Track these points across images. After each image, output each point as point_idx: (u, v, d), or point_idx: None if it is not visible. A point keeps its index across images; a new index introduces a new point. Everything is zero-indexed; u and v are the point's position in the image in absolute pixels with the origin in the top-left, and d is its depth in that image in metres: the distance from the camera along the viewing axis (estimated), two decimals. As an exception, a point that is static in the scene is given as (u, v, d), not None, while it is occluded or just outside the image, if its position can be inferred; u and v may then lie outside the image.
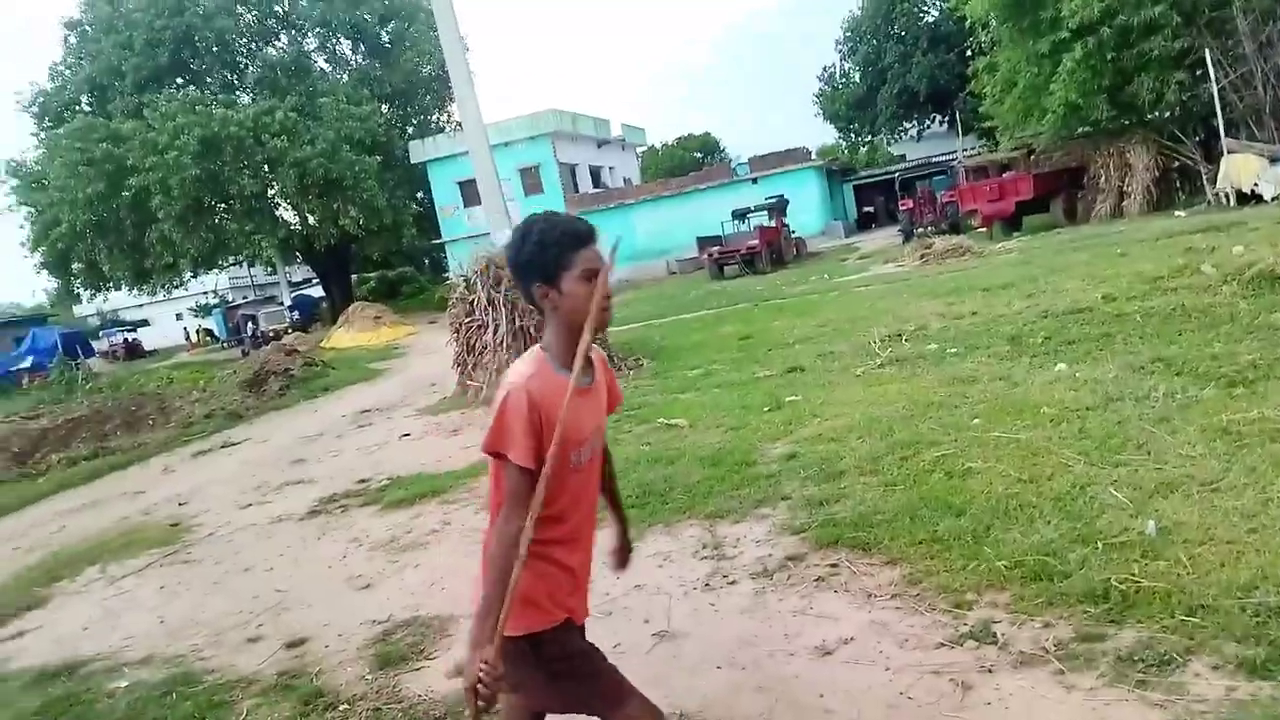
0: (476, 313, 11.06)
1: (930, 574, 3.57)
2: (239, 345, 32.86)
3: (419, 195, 39.84)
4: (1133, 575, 3.17)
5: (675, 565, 4.27)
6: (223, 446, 11.21)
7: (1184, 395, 5.14)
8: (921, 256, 18.56)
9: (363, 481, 7.50)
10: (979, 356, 7.36)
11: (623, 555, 2.46)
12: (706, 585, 3.98)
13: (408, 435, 9.49)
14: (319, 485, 7.71)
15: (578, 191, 39.10)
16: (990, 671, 2.86)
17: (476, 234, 22.71)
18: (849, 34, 43.45)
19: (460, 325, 11.29)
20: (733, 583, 3.95)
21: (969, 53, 28.82)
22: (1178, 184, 21.89)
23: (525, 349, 9.79)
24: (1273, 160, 17.73)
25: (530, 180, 37.84)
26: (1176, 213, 18.85)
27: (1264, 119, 19.98)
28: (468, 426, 9.20)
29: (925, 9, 40.51)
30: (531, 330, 10.98)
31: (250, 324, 33.82)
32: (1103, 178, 22.43)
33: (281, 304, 38.71)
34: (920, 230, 26.18)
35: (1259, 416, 4.50)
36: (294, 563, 5.64)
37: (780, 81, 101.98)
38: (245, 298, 47.58)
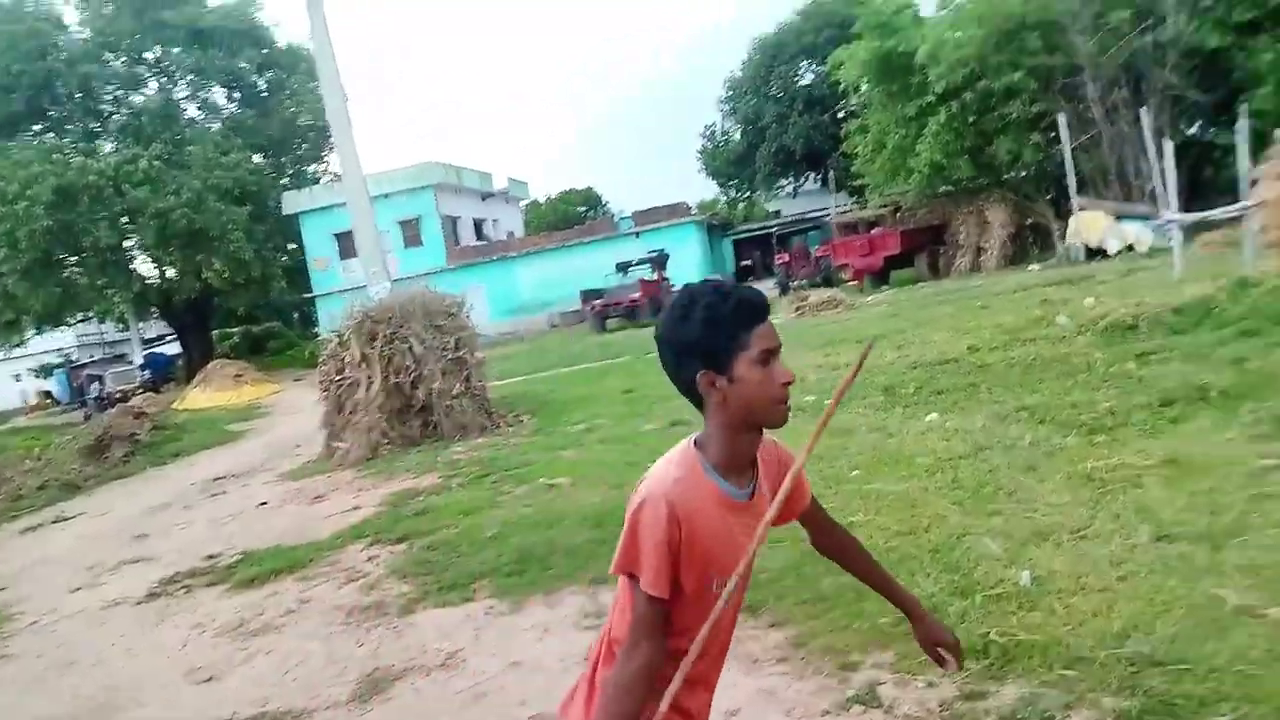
0: (348, 370, 10.51)
1: (815, 635, 3.48)
2: (82, 408, 30.36)
3: (290, 247, 38.40)
4: (1011, 628, 3.15)
5: (555, 638, 4.01)
6: (55, 521, 10.16)
7: (1048, 443, 5.29)
8: (798, 309, 19.10)
9: (211, 558, 6.85)
10: (856, 407, 7.46)
11: (949, 645, 1.88)
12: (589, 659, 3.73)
13: (265, 504, 8.80)
14: (161, 563, 7.00)
15: (459, 244, 38.64)
16: (877, 740, 2.75)
17: (351, 288, 21.94)
18: (730, 93, 45.04)
19: (330, 383, 10.70)
20: (614, 655, 3.72)
21: (841, 115, 30.34)
22: (1031, 240, 23.52)
23: (400, 407, 9.08)
24: (1118, 217, 19.20)
25: (410, 232, 37.20)
26: (1031, 267, 20.14)
27: (1110, 178, 21.76)
28: (333, 492, 8.63)
29: (801, 72, 42.50)
30: (408, 387, 10.48)
31: (96, 384, 31.21)
32: (963, 234, 23.87)
33: (131, 362, 36.03)
34: (796, 284, 27.06)
35: (1120, 463, 4.66)
36: (127, 654, 5.04)
37: (664, 138, 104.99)
38: (93, 356, 44.21)
